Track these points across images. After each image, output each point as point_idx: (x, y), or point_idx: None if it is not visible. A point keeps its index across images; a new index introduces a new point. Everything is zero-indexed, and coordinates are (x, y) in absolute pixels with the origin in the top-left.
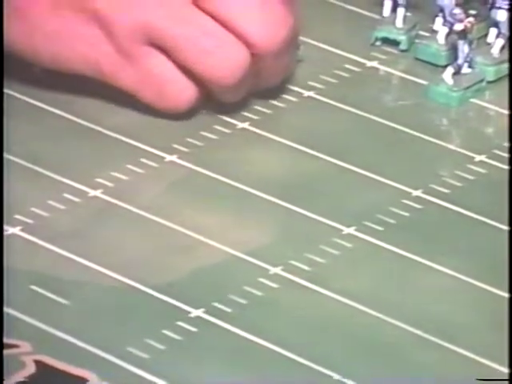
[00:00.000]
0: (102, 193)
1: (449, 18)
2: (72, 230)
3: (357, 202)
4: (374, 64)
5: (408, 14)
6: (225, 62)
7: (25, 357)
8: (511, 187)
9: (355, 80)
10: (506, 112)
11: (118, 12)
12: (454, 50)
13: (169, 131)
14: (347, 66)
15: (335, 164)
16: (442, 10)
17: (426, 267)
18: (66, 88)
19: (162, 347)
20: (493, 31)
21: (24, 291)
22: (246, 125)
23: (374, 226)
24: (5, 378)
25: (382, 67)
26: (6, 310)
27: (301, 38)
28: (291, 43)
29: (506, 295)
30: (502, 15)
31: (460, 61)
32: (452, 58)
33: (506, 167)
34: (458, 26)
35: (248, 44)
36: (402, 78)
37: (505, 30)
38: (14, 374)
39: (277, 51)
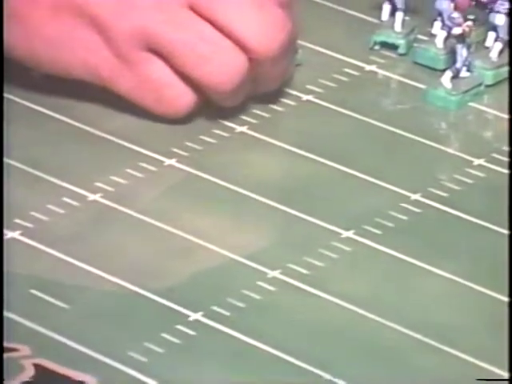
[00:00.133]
0: (102, 197)
1: (447, 22)
2: (71, 234)
3: (356, 205)
4: (373, 68)
5: (406, 18)
6: (223, 67)
7: (24, 360)
8: (511, 191)
9: (354, 84)
10: (505, 116)
11: (117, 18)
12: (452, 54)
13: (168, 135)
14: (346, 69)
15: (334, 168)
16: (440, 14)
17: (425, 271)
18: (66, 93)
19: (161, 351)
20: (491, 35)
21: (23, 295)
22: (244, 129)
23: (372, 229)
24: (4, 381)
25: (380, 71)
26: (5, 313)
27: (299, 42)
28: (289, 48)
29: (505, 299)
30: (500, 19)
31: (458, 65)
32: (450, 62)
33: (505, 171)
34: (457, 30)
35: (246, 49)
36: (400, 82)
37: (503, 34)
38: (13, 378)
39: (275, 56)
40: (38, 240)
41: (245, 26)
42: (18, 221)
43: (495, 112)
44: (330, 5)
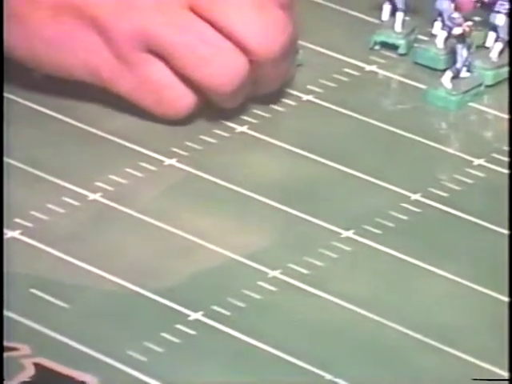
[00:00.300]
0: (102, 196)
1: (447, 22)
2: (71, 234)
3: (356, 205)
4: (373, 68)
5: (407, 18)
6: (223, 69)
7: (24, 359)
8: (511, 191)
9: (354, 84)
10: (505, 116)
11: (117, 19)
12: (452, 54)
13: (168, 135)
14: (346, 70)
15: (334, 168)
16: (440, 14)
17: (425, 271)
18: (67, 93)
19: (160, 350)
20: (491, 35)
21: (23, 294)
22: (244, 128)
23: (372, 229)
24: (4, 380)
25: (380, 71)
26: (5, 313)
27: (300, 42)
28: (290, 49)
29: (505, 299)
30: (500, 19)
31: (459, 65)
32: (451, 62)
33: (505, 171)
34: (457, 30)
35: (246, 51)
36: (400, 82)
37: (503, 34)
38: (13, 377)
39: (275, 58)
40: (38, 239)
41: (245, 27)
42: (18, 220)
43: (495, 112)
44: (331, 5)
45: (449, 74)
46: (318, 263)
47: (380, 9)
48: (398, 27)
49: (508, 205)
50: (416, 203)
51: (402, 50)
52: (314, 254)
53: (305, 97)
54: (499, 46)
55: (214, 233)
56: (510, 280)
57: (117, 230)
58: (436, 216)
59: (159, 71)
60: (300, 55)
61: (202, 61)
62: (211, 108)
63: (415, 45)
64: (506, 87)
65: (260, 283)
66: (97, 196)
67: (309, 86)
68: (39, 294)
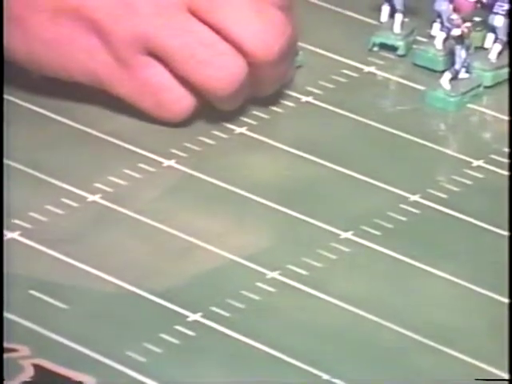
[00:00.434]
0: (101, 198)
1: (446, 24)
2: (70, 235)
3: (354, 206)
4: (372, 69)
5: (406, 19)
6: (222, 72)
7: (23, 361)
8: (511, 192)
9: (353, 85)
10: (504, 117)
11: (116, 22)
12: (451, 56)
13: (167, 136)
14: (345, 71)
15: (333, 169)
16: (439, 16)
17: (424, 271)
18: (66, 94)
19: (159, 351)
20: (490, 36)
21: (22, 296)
22: (243, 130)
23: (371, 230)
24: (3, 381)
25: (379, 72)
26: (4, 314)
27: (299, 43)
28: (289, 51)
29: (504, 300)
30: (499, 21)
31: (457, 66)
32: (449, 64)
33: (504, 172)
34: (456, 32)
35: (245, 53)
36: (399, 84)
37: (502, 35)
38: (12, 378)
39: (274, 60)
40: (37, 241)
41: (244, 29)
42: (16, 221)
43: (494, 113)
44: (329, 6)
45: (448, 75)
46: (317, 264)
47: (379, 10)
48: (396, 28)
49: (508, 206)
50: (415, 204)
51: (400, 52)
52: (313, 255)
53: (304, 98)
54: (498, 47)
55: (213, 234)
56: (509, 281)
57: (116, 231)
58: (435, 217)
59: (158, 74)
60: (300, 57)
61: (200, 63)
62: (210, 109)
63: (414, 46)
64: (504, 88)
65: (259, 284)
66: (96, 197)
67: (307, 88)
68: (38, 295)
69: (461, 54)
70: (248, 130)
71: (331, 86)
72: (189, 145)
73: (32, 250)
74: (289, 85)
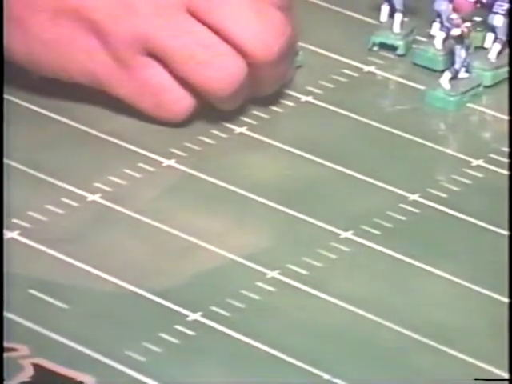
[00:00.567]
0: (101, 197)
1: (446, 23)
2: (70, 235)
3: (354, 206)
4: (372, 69)
5: (405, 19)
6: (221, 72)
7: (23, 360)
8: (511, 192)
9: (353, 85)
10: (503, 116)
11: (116, 22)
12: (451, 55)
13: (166, 136)
14: (345, 71)
15: (333, 168)
16: (439, 15)
17: (424, 271)
18: (66, 94)
19: (159, 351)
20: (490, 36)
21: (22, 295)
22: (243, 129)
23: (371, 230)
24: (3, 381)
25: (379, 72)
26: (4, 313)
27: (299, 43)
28: (288, 52)
29: (504, 299)
30: (498, 20)
31: (457, 66)
32: (449, 63)
33: (504, 172)
34: (455, 31)
35: (244, 54)
36: (399, 83)
37: (502, 35)
38: (12, 377)
39: (273, 60)
40: (37, 240)
41: (243, 30)
42: (16, 221)
43: (494, 113)
44: (329, 6)
45: (447, 75)
46: (317, 264)
47: (378, 10)
48: (396, 28)
49: (508, 205)
50: (414, 204)
51: (400, 51)
52: (313, 254)
53: (303, 98)
54: (497, 46)
55: (213, 233)
56: (509, 281)
57: (115, 231)
58: (434, 216)
59: (158, 74)
60: (300, 56)
61: (200, 64)
62: (210, 109)
63: (414, 46)
64: (504, 88)
65: (259, 284)
66: (95, 197)
67: (307, 87)
68: (38, 294)
69: (460, 53)
70: (248, 129)
71: (331, 85)
72: (189, 144)
73: (32, 250)
74: (289, 84)
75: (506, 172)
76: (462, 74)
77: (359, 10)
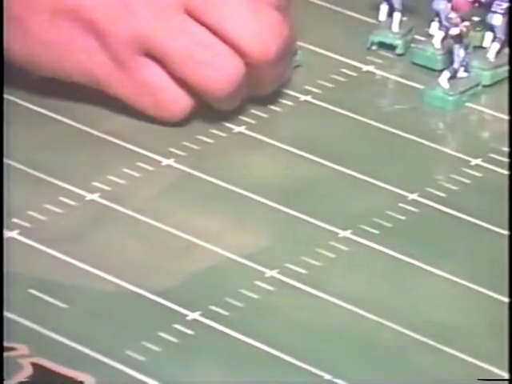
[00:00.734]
0: (100, 197)
1: (444, 23)
2: (69, 234)
3: (353, 205)
4: (371, 68)
5: (404, 18)
6: (219, 72)
7: (22, 359)
8: (511, 191)
9: (351, 84)
10: (502, 116)
11: (114, 23)
12: (449, 55)
13: (165, 135)
14: (343, 70)
15: (332, 168)
16: (437, 15)
17: (423, 270)
18: (65, 94)
19: (159, 350)
20: (488, 35)
21: (21, 294)
22: (242, 129)
23: (370, 229)
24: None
25: (378, 71)
26: (3, 313)
27: (297, 42)
28: (286, 51)
29: (504, 299)
30: (497, 19)
31: (456, 65)
32: (448, 63)
33: (502, 171)
34: (454, 31)
35: (242, 54)
36: (398, 83)
37: (500, 34)
38: (11, 377)
39: (271, 60)
40: (36, 240)
41: (241, 30)
42: (15, 220)
43: (492, 112)
44: (328, 5)
45: (446, 74)
46: (316, 263)
47: (377, 9)
48: (395, 27)
49: (508, 205)
50: (413, 203)
51: (399, 51)
52: (312, 253)
53: (302, 97)
54: (496, 46)
55: (212, 233)
56: (509, 280)
57: (115, 230)
58: (433, 216)
59: (156, 74)
60: (299, 56)
61: (198, 64)
62: (209, 108)
63: (412, 45)
64: (503, 87)
65: (257, 283)
66: (94, 196)
67: (306, 87)
68: (37, 294)
69: (459, 52)
70: (247, 128)
71: (330, 85)
72: (187, 144)
73: (31, 249)
74: (287, 84)
75: (505, 171)
76: (461, 74)
77: (358, 9)
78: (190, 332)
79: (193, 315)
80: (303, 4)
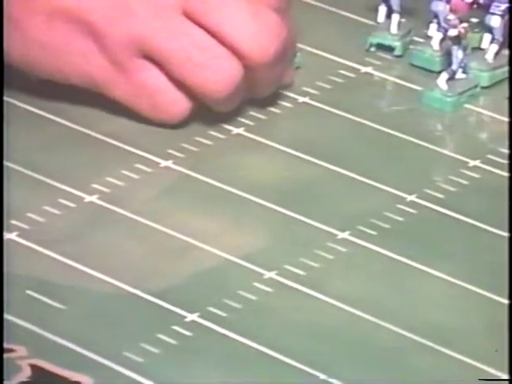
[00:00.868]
0: (98, 198)
1: (443, 24)
2: (68, 236)
3: (351, 206)
4: (369, 70)
5: (402, 20)
6: (218, 75)
7: (21, 361)
8: (511, 193)
9: (350, 86)
10: (500, 117)
11: (112, 25)
12: (448, 56)
13: (164, 137)
14: (342, 71)
15: (330, 169)
16: (436, 16)
17: (421, 272)
18: (63, 96)
19: (157, 351)
20: (487, 37)
21: (20, 296)
22: (240, 130)
23: (368, 230)
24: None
25: (376, 73)
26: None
27: (296, 44)
28: (285, 53)
29: (502, 300)
30: (495, 21)
31: (454, 66)
32: (446, 64)
33: (501, 172)
34: (452, 32)
35: (241, 56)
36: (396, 84)
37: (499, 35)
38: (9, 378)
39: (270, 62)
40: (35, 241)
41: (240, 32)
42: (14, 222)
43: (491, 113)
44: (326, 7)
45: (444, 76)
46: (314, 264)
47: (376, 10)
48: (393, 29)
49: (508, 206)
50: (411, 204)
51: (397, 52)
52: (310, 255)
53: (301, 99)
54: (495, 47)
55: (210, 234)
56: (509, 282)
57: (113, 232)
58: (431, 217)
59: (154, 76)
60: (298, 58)
61: (196, 66)
62: (207, 110)
63: (411, 46)
64: (501, 89)
65: (256, 284)
66: (93, 198)
67: (304, 88)
68: (35, 295)
69: (458, 54)
70: (245, 130)
71: (328, 86)
72: (186, 145)
73: (30, 251)
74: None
75: (503, 173)
76: (459, 75)
77: (356, 10)
78: (188, 333)
79: (191, 317)
80: (301, 5)
